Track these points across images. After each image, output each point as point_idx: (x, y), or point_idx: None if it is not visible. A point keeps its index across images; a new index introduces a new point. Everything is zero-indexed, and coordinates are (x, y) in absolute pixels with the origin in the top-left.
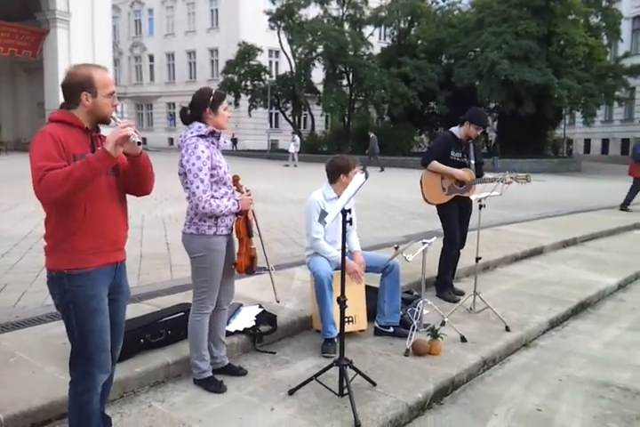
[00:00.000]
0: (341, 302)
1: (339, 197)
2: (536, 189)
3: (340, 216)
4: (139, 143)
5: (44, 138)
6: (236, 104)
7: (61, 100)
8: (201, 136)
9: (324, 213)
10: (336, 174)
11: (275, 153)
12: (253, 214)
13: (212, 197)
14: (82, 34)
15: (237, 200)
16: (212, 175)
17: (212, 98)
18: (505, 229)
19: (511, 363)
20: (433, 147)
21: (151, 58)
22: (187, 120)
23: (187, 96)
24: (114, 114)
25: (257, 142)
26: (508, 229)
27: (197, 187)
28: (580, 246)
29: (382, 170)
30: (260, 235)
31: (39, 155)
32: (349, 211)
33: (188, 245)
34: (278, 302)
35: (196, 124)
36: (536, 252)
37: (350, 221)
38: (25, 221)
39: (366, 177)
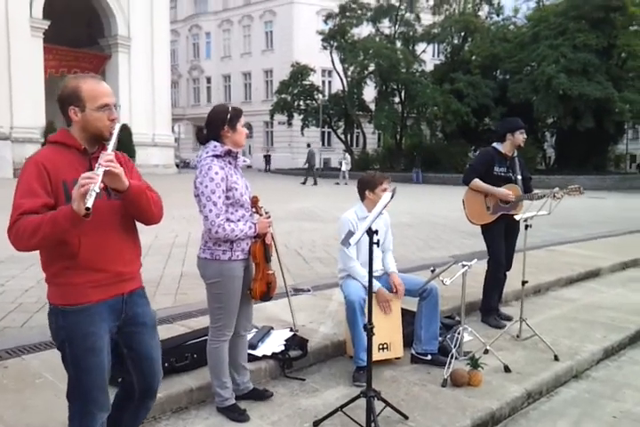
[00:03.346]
0: (368, 329)
1: None
2: (595, 206)
3: (367, 237)
4: (87, 208)
5: (29, 169)
6: (289, 124)
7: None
8: (216, 156)
9: (349, 234)
10: (362, 191)
11: (327, 171)
12: (272, 238)
13: (228, 220)
14: (142, 58)
15: (254, 223)
16: (227, 197)
17: (229, 115)
18: (559, 249)
19: (559, 396)
20: (474, 164)
21: (208, 80)
22: (203, 140)
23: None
24: (114, 131)
25: None
26: (563, 249)
27: (210, 210)
28: None
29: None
30: (278, 259)
31: (22, 189)
32: (376, 232)
33: (203, 271)
34: (297, 330)
35: (212, 144)
36: (592, 274)
37: (377, 243)
38: None
39: (392, 196)
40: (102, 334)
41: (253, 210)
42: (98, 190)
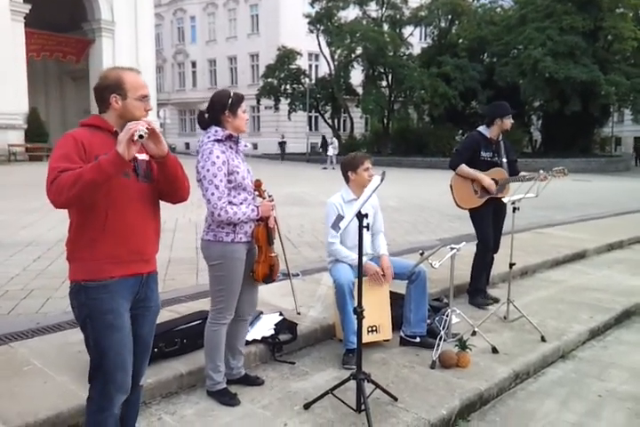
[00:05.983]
0: (358, 312)
1: (358, 198)
2: (581, 189)
3: (357, 221)
4: (140, 136)
5: (66, 140)
6: (276, 108)
7: None
8: (217, 141)
9: (339, 218)
10: (346, 173)
11: (314, 156)
12: (275, 221)
13: (230, 203)
14: (126, 42)
15: (257, 206)
16: (229, 181)
17: (230, 100)
18: (545, 231)
19: (546, 376)
20: (461, 149)
21: (193, 64)
22: (204, 125)
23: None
24: (146, 118)
25: (297, 146)
26: (549, 231)
27: (212, 194)
28: (626, 250)
29: None
30: (281, 242)
31: (57, 156)
32: (366, 215)
33: (206, 252)
34: (299, 313)
35: (213, 129)
36: (578, 256)
37: (367, 227)
38: (61, 225)
39: (382, 179)
40: (122, 312)
41: (256, 193)
42: (147, 131)
